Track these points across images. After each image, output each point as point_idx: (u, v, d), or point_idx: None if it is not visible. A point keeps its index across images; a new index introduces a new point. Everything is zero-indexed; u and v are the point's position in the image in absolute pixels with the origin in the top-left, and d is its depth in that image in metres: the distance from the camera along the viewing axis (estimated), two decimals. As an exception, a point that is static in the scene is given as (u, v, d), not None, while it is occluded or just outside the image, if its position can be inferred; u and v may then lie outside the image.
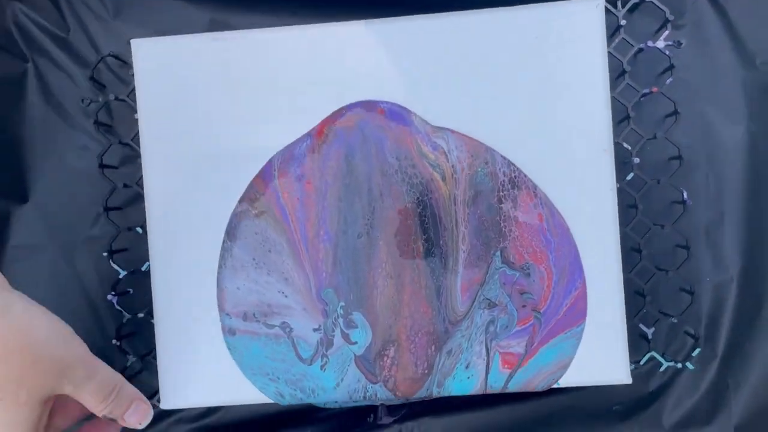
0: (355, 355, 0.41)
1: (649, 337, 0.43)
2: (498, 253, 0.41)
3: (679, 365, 0.43)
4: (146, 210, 0.42)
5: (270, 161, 0.41)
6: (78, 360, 0.33)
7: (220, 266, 0.41)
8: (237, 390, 0.42)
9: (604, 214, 0.40)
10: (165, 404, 0.41)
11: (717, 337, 0.44)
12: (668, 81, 0.42)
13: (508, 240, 0.41)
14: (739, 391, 0.43)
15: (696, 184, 0.44)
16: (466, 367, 0.41)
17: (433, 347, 0.41)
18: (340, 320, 0.41)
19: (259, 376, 0.41)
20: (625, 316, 0.40)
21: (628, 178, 0.43)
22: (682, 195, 0.43)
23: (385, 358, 0.41)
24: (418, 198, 0.41)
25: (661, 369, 0.43)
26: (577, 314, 0.40)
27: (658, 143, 0.43)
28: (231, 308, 0.41)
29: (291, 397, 0.42)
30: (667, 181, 0.43)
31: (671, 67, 0.42)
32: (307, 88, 0.41)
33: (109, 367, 0.35)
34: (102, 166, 0.44)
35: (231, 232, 0.42)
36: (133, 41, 0.42)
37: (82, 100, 0.45)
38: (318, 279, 0.41)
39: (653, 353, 0.43)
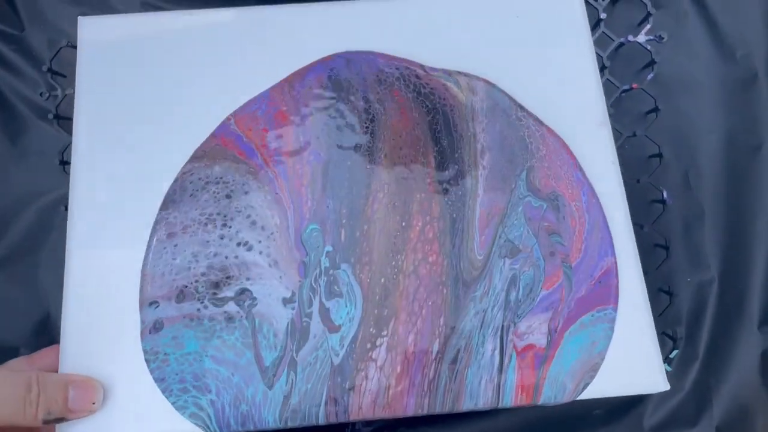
0: (332, 364, 0.31)
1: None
2: (524, 174, 0.33)
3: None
4: (70, 191, 0.33)
5: (224, 121, 0.34)
6: None
7: (148, 246, 0.32)
8: (157, 420, 0.30)
9: (611, 191, 0.35)
10: None
11: (698, 338, 0.43)
12: (649, 77, 0.42)
13: (535, 158, 0.34)
14: (720, 391, 0.42)
15: (675, 182, 0.43)
16: (474, 404, 0.32)
17: (436, 344, 0.31)
18: (322, 282, 0.31)
19: (193, 394, 0.30)
20: (650, 307, 0.35)
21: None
22: (662, 194, 0.42)
23: (369, 366, 0.31)
24: (428, 106, 0.34)
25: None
26: (609, 291, 0.33)
27: (636, 140, 0.42)
28: (158, 290, 0.31)
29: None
30: (648, 180, 0.42)
31: (653, 62, 0.41)
32: (263, 70, 0.35)
33: (14, 371, 0.30)
34: (63, 162, 0.41)
35: (167, 201, 0.32)
36: (80, 18, 0.37)
37: (41, 94, 0.42)
38: (300, 213, 0.32)
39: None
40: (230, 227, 0.31)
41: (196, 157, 0.33)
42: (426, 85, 0.34)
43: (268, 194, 0.32)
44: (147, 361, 0.31)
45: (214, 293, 0.31)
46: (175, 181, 0.32)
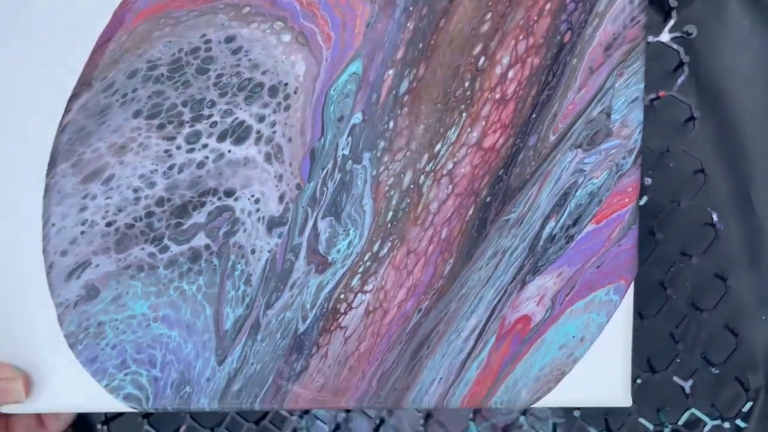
0: (296, 332, 0.23)
1: (687, 391, 0.35)
2: None
3: (727, 425, 0.35)
4: None
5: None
6: None
7: (44, 217, 0.23)
8: (83, 403, 0.25)
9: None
10: None
11: (778, 388, 0.35)
12: (680, 80, 0.35)
13: None
14: (808, 455, 0.34)
15: (724, 202, 0.36)
16: (416, 406, 0.24)
17: (422, 308, 0.23)
18: (331, 185, 0.21)
19: (133, 370, 0.24)
20: (631, 321, 0.27)
21: (642, 202, 0.36)
22: (711, 217, 0.35)
23: (334, 338, 0.23)
24: None
25: (706, 429, 0.36)
26: (632, 265, 0.24)
27: (673, 157, 0.36)
28: (86, 247, 0.23)
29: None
30: (691, 203, 0.35)
31: (681, 64, 0.35)
32: None
33: None
34: None
35: (72, 141, 0.22)
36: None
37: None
38: (348, 38, 0.20)
39: (693, 410, 0.35)
40: (209, 117, 0.21)
41: (105, 65, 0.22)
42: None
43: (284, 34, 0.21)
44: (72, 345, 0.24)
45: (178, 224, 0.22)
46: (66, 111, 0.23)
